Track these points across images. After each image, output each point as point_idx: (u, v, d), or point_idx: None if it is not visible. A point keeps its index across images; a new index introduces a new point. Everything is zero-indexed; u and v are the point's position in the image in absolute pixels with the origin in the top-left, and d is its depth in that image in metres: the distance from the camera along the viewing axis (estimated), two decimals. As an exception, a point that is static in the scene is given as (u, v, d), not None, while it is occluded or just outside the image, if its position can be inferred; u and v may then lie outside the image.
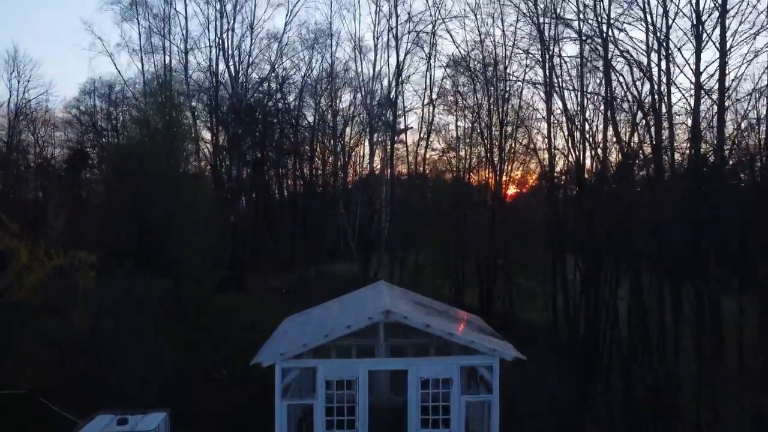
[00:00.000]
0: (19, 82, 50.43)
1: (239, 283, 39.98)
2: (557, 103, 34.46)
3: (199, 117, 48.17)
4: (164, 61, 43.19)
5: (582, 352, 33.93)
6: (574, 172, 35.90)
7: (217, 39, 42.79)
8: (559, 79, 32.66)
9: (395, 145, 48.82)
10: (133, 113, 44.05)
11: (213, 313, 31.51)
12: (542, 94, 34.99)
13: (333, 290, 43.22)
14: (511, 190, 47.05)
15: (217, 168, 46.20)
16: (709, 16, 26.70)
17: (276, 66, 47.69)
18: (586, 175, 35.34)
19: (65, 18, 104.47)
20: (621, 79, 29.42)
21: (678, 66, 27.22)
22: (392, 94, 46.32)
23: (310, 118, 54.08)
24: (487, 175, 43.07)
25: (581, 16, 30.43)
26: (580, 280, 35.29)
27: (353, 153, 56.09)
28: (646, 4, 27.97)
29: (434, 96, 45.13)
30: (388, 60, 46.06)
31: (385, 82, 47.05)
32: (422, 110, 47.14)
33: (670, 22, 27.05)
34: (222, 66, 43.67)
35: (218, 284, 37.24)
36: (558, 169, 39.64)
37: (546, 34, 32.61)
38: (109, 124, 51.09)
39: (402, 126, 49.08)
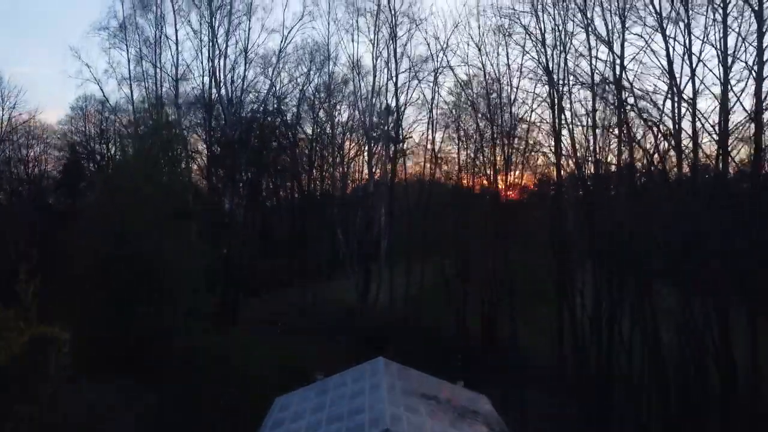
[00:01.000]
0: (3, 109, 47.81)
1: (233, 316, 37.54)
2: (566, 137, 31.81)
3: (195, 132, 45.99)
4: (155, 88, 40.18)
5: (590, 391, 31.68)
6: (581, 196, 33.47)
7: (209, 66, 39.79)
8: (569, 129, 30.13)
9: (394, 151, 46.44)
10: (122, 140, 41.42)
11: (201, 364, 28.96)
12: (552, 140, 32.30)
13: (332, 320, 41.46)
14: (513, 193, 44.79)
15: (211, 184, 43.70)
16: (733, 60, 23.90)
17: (274, 81, 44.87)
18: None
19: (53, 42, 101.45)
20: (636, 123, 26.78)
21: (700, 118, 24.48)
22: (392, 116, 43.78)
23: (309, 130, 52.09)
24: (489, 185, 40.49)
25: (593, 65, 27.82)
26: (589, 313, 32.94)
27: (353, 163, 54.14)
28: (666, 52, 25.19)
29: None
30: (386, 81, 43.24)
31: (384, 98, 44.81)
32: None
33: (697, 86, 24.29)
34: (214, 91, 40.67)
35: (210, 321, 34.84)
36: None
37: (555, 76, 29.93)
38: (102, 143, 48.51)
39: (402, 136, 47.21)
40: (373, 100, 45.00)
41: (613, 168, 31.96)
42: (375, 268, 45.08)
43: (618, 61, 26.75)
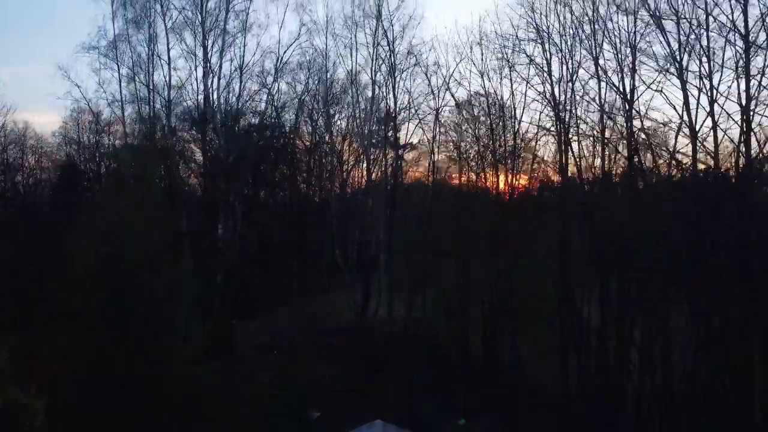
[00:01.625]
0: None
1: (229, 343, 35.83)
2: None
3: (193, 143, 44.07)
4: (148, 107, 37.97)
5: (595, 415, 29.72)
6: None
7: (202, 89, 37.53)
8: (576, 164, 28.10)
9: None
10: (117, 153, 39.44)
11: (193, 405, 27.11)
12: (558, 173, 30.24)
13: (331, 340, 39.63)
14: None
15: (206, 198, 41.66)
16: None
17: (271, 91, 42.79)
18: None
19: (51, 41, 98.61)
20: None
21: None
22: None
23: (307, 138, 50.20)
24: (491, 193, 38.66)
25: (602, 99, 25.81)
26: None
27: (353, 170, 52.31)
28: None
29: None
30: (386, 96, 41.35)
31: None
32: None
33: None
34: (209, 104, 38.31)
35: (203, 351, 33.26)
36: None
37: (562, 109, 27.82)
38: (96, 157, 46.63)
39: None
40: (372, 109, 43.20)
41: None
42: (375, 279, 43.37)
43: (628, 98, 24.76)
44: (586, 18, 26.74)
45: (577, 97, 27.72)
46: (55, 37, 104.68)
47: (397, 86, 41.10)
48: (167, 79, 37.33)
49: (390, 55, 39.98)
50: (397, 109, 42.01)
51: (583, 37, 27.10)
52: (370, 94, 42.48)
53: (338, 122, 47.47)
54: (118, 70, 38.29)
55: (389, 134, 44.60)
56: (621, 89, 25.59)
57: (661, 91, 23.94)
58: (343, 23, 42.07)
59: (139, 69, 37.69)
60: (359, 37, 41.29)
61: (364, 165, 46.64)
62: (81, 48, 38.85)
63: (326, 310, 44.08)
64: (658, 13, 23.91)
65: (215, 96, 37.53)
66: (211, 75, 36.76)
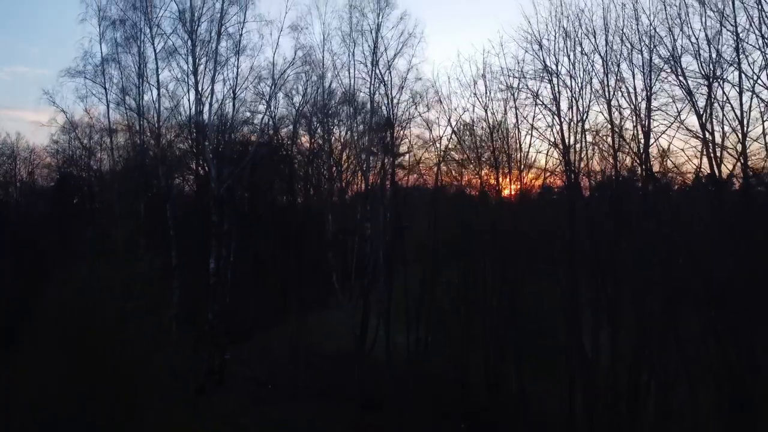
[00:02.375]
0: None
1: (220, 377, 34.27)
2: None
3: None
4: (139, 129, 35.75)
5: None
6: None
7: (194, 114, 35.30)
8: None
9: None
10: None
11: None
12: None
13: (328, 371, 38.14)
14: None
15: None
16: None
17: (269, 103, 40.64)
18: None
19: (49, 40, 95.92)
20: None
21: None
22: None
23: (305, 145, 48.35)
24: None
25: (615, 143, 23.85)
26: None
27: (351, 180, 50.41)
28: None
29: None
30: (383, 116, 39.38)
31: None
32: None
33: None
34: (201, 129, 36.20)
35: (197, 390, 31.77)
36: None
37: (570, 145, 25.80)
38: (90, 173, 44.76)
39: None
40: (371, 123, 41.25)
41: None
42: (373, 296, 41.57)
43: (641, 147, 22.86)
44: (598, 57, 24.72)
45: (587, 142, 25.74)
46: (51, 37, 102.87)
47: (393, 101, 39.05)
48: (157, 105, 35.12)
49: (388, 69, 37.98)
50: (395, 122, 40.03)
51: (594, 77, 25.08)
52: (368, 108, 40.56)
53: (336, 131, 45.56)
54: (106, 95, 35.94)
55: (387, 141, 42.73)
56: (635, 135, 23.70)
57: (682, 149, 22.13)
58: (341, 41, 39.91)
59: (128, 94, 35.46)
60: (357, 54, 39.04)
61: (361, 174, 44.81)
62: (67, 73, 36.25)
63: (323, 332, 42.49)
64: (676, 53, 21.98)
65: (207, 120, 35.21)
66: (201, 104, 34.49)
